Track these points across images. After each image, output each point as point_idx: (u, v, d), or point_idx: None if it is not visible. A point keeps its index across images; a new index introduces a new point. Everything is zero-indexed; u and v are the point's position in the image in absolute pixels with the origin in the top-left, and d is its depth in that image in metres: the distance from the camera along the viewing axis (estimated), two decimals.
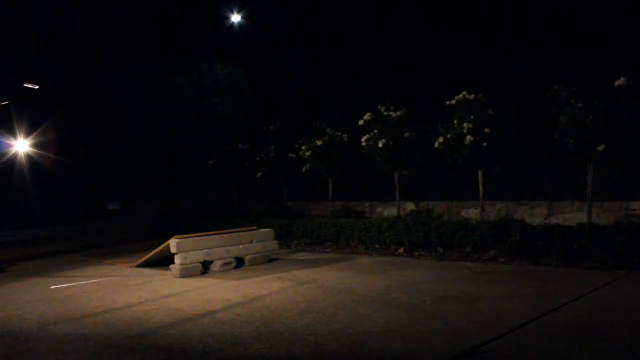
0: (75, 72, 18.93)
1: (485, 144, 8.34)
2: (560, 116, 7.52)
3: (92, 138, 19.74)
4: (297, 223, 10.56)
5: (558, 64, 9.32)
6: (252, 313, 5.18)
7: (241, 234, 8.37)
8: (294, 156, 11.72)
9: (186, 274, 7.41)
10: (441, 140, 8.72)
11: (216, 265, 7.77)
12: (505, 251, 7.45)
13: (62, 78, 19.51)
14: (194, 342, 4.32)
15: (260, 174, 12.46)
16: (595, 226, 7.08)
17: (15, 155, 17.12)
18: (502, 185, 9.54)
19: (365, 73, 12.83)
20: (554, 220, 8.63)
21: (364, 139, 9.80)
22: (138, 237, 13.11)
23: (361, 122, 9.89)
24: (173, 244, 7.47)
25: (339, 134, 10.90)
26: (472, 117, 8.45)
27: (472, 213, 9.80)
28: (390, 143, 9.49)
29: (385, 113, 9.65)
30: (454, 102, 8.69)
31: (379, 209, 11.58)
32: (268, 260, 8.41)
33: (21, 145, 17.02)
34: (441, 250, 8.16)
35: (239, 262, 8.05)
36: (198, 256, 7.59)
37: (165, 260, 7.88)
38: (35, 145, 17.23)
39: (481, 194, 8.80)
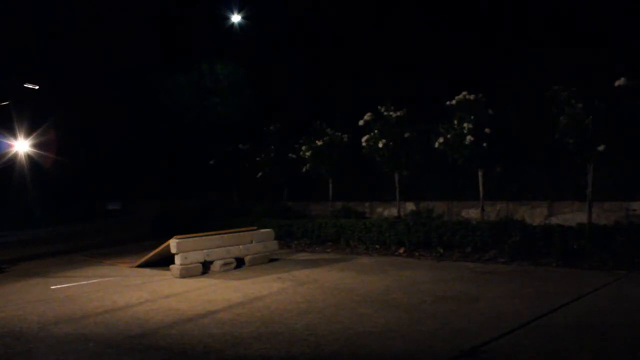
0: (75, 72, 18.95)
1: (485, 144, 8.35)
2: (560, 116, 7.52)
3: (92, 138, 19.76)
4: (297, 223, 10.56)
5: (558, 64, 9.31)
6: (252, 313, 5.18)
7: (241, 234, 8.37)
8: (294, 156, 11.72)
9: (186, 274, 7.41)
10: (441, 140, 8.73)
11: (216, 265, 7.77)
12: (505, 251, 7.45)
13: (62, 78, 19.52)
14: (194, 342, 4.33)
15: (260, 174, 12.46)
16: (595, 226, 7.08)
17: (15, 155, 17.11)
18: (502, 185, 9.54)
19: (365, 73, 12.82)
20: (554, 220, 8.63)
21: (364, 139, 9.81)
22: (138, 237, 13.11)
23: (361, 122, 9.89)
24: (173, 244, 7.47)
25: (339, 134, 10.90)
26: (472, 117, 8.45)
27: (472, 213, 9.80)
28: (390, 143, 9.49)
29: (385, 113, 9.66)
30: (454, 102, 8.69)
31: (379, 209, 11.59)
32: (268, 260, 8.41)
33: (21, 145, 17.02)
34: (441, 250, 8.16)
35: (239, 262, 8.05)
36: (198, 256, 7.59)
37: (165, 260, 7.88)
38: (35, 145, 17.23)
39: (481, 194, 8.80)
